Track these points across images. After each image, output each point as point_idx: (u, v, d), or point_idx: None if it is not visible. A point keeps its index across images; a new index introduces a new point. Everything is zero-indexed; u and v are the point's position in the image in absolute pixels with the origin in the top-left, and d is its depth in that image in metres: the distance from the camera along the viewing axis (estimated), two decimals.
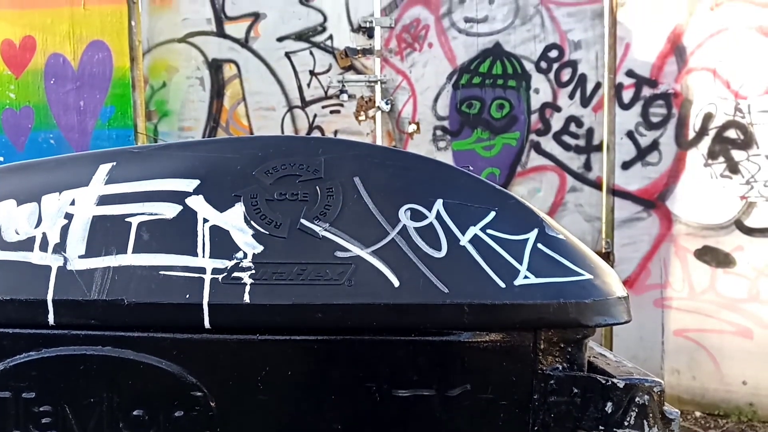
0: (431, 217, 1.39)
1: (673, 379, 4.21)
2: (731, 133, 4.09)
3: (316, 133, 4.27)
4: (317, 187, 1.41)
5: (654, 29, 4.11)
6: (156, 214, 1.33)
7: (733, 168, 4.07)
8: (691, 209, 4.15)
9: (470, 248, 1.36)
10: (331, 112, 4.26)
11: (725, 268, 4.12)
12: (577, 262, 1.38)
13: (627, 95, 4.17)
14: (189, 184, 1.37)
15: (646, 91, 4.15)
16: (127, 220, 1.33)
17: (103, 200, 1.36)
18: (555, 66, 4.22)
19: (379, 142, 4.29)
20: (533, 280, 1.33)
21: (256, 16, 4.18)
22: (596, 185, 4.27)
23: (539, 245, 1.39)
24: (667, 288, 4.21)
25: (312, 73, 4.23)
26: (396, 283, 1.30)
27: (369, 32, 4.22)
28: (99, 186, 1.37)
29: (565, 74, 4.22)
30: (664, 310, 4.21)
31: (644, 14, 4.12)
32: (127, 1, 4.00)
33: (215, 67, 4.20)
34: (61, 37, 3.99)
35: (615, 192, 4.21)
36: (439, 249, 1.36)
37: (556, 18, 4.19)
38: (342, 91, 4.21)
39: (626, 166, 4.20)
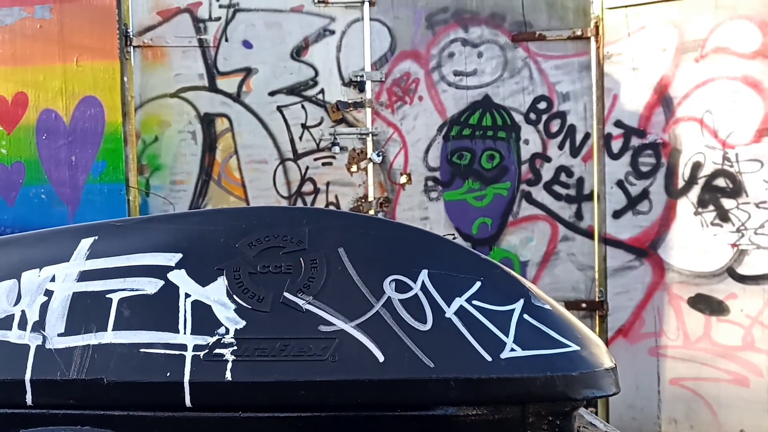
0: (416, 288, 1.39)
1: (671, 428, 4.15)
2: (720, 182, 4.12)
3: (308, 185, 4.28)
4: (301, 259, 1.40)
5: (641, 80, 4.17)
6: (137, 290, 1.32)
7: (724, 216, 4.09)
8: (683, 257, 4.15)
9: (456, 320, 1.36)
10: (323, 164, 4.29)
11: (719, 316, 4.10)
12: (564, 333, 1.37)
13: (616, 145, 4.21)
14: (171, 259, 1.37)
15: (635, 141, 4.19)
16: (107, 296, 1.32)
17: (84, 276, 1.35)
18: (544, 117, 4.27)
19: (371, 193, 4.31)
20: (520, 352, 1.33)
21: (248, 71, 4.23)
22: (588, 234, 4.28)
23: (525, 316, 1.38)
24: (661, 336, 4.18)
25: (304, 126, 4.26)
26: (381, 357, 1.29)
27: (360, 86, 4.27)
28: (80, 261, 1.36)
29: (555, 125, 4.27)
30: (660, 358, 4.18)
31: (631, 66, 4.18)
32: (119, 58, 4.05)
33: (207, 121, 4.23)
34: (54, 93, 4.03)
35: (607, 241, 4.22)
36: (424, 321, 1.35)
37: (544, 71, 4.26)
38: (334, 144, 4.24)
39: (617, 215, 4.21)
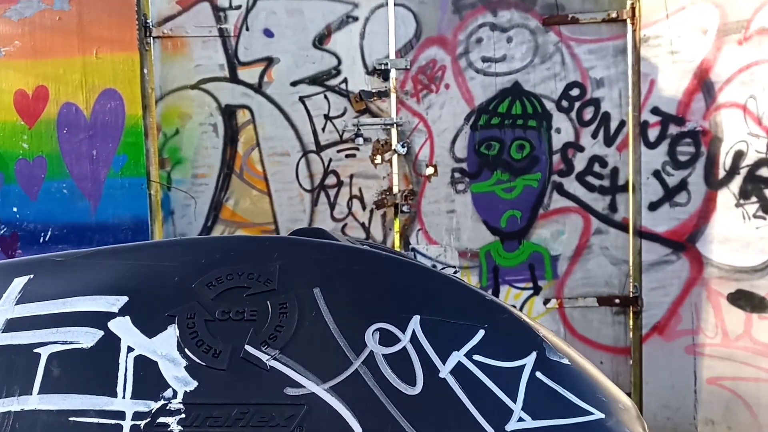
0: (405, 339, 1.17)
1: (708, 429, 4.00)
2: (764, 172, 3.91)
3: (331, 178, 4.17)
4: (268, 303, 1.20)
5: (680, 65, 3.96)
6: (71, 343, 1.13)
7: (767, 208, 3.88)
8: (722, 251, 3.96)
9: (452, 381, 1.14)
10: (347, 156, 4.17)
11: (761, 314, 3.92)
12: (586, 396, 1.16)
13: (653, 133, 4.01)
14: (114, 303, 1.17)
15: (673, 129, 3.99)
16: (36, 350, 1.13)
17: (11, 325, 1.16)
18: (577, 105, 4.09)
19: (395, 185, 4.19)
20: (529, 423, 1.11)
21: (269, 61, 4.12)
22: (622, 227, 4.11)
23: (538, 374, 1.16)
24: (699, 334, 4.01)
25: (327, 117, 4.14)
26: (357, 429, 1.11)
27: (384, 74, 4.13)
28: (8, 307, 1.18)
29: (588, 113, 4.09)
30: (697, 357, 4.02)
31: (669, 49, 3.97)
32: (139, 49, 3.96)
33: (228, 113, 4.14)
34: (74, 87, 3.96)
35: (642, 234, 4.05)
36: (413, 383, 1.14)
37: (577, 55, 4.07)
38: (357, 135, 4.12)
39: (653, 206, 4.03)
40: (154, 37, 4.05)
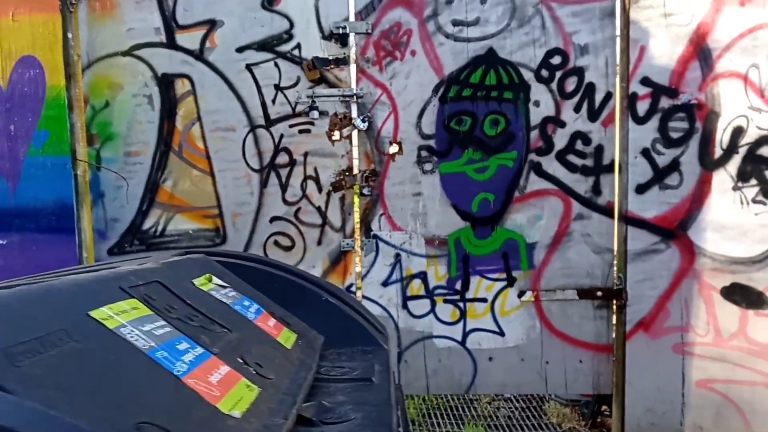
0: None
1: None
2: (766, 151, 3.50)
3: (282, 157, 3.73)
4: None
5: (673, 29, 3.51)
6: None
7: None
8: (717, 240, 3.56)
9: None
10: (300, 131, 3.72)
11: (758, 310, 3.54)
12: None
13: (642, 107, 3.57)
14: None
15: (665, 102, 3.55)
16: None
17: None
18: (558, 74, 3.64)
19: (355, 165, 3.75)
20: None
21: (212, 24, 3.64)
22: (607, 212, 3.69)
23: None
24: (689, 331, 3.63)
25: (277, 87, 3.69)
26: None
27: (342, 39, 3.66)
28: None
29: (570, 84, 3.64)
30: (686, 356, 3.64)
31: (662, 12, 3.51)
32: (61, 11, 3.49)
33: (166, 83, 3.68)
34: None
35: (628, 219, 3.63)
36: None
37: (559, 19, 3.60)
38: (312, 108, 3.67)
39: (641, 189, 3.61)
40: None
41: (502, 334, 3.82)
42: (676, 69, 3.53)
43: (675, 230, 3.60)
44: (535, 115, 3.66)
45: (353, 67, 3.69)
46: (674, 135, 3.57)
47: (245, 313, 1.76)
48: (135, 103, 3.68)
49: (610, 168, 3.67)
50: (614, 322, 3.77)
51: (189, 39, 3.65)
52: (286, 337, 1.77)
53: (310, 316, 1.97)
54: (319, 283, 2.13)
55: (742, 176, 3.53)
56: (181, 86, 3.68)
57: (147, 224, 3.77)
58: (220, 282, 1.86)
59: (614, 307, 3.76)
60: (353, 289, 3.83)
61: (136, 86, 3.67)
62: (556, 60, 3.63)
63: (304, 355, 1.69)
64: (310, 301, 2.03)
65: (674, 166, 3.58)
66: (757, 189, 3.52)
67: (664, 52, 3.53)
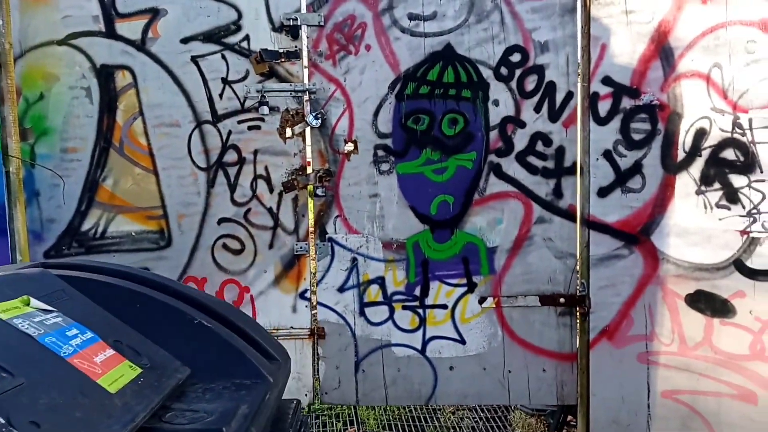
0: None
1: None
2: (729, 154, 3.40)
3: (231, 155, 3.53)
4: None
5: (635, 26, 3.41)
6: None
7: (732, 196, 3.38)
8: (681, 246, 3.44)
9: None
10: (250, 128, 3.53)
11: (723, 318, 3.42)
12: None
13: (603, 107, 3.46)
14: None
15: (627, 103, 3.45)
16: None
17: None
18: (518, 72, 3.51)
19: (310, 165, 3.56)
20: None
21: (154, 13, 3.44)
22: (568, 215, 3.56)
23: None
24: (653, 340, 3.50)
25: (225, 81, 3.49)
26: None
27: (293, 32, 3.49)
28: None
29: (530, 82, 3.51)
30: (650, 366, 3.50)
31: (623, 8, 3.41)
32: None
33: (105, 74, 3.46)
34: None
35: (591, 224, 3.50)
36: None
37: (519, 14, 3.48)
38: (262, 103, 3.48)
39: (603, 192, 3.49)
40: None
41: (463, 342, 3.65)
42: (638, 68, 3.43)
43: (638, 235, 3.48)
44: (495, 115, 3.53)
45: (305, 61, 3.52)
46: (636, 137, 3.46)
47: (60, 347, 1.42)
48: (72, 95, 3.46)
49: (571, 170, 3.55)
50: (578, 330, 3.63)
51: (130, 28, 3.44)
52: (117, 377, 1.45)
53: (178, 343, 1.64)
54: (195, 299, 1.80)
55: (706, 180, 3.43)
56: (122, 78, 3.47)
57: (86, 225, 3.53)
58: (42, 305, 1.53)
59: (578, 314, 3.62)
60: (308, 295, 3.63)
61: (73, 78, 3.44)
62: (516, 57, 3.51)
63: (134, 401, 1.38)
64: (179, 323, 1.69)
65: (636, 168, 3.47)
66: (720, 193, 3.42)
67: (625, 50, 3.43)
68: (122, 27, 3.44)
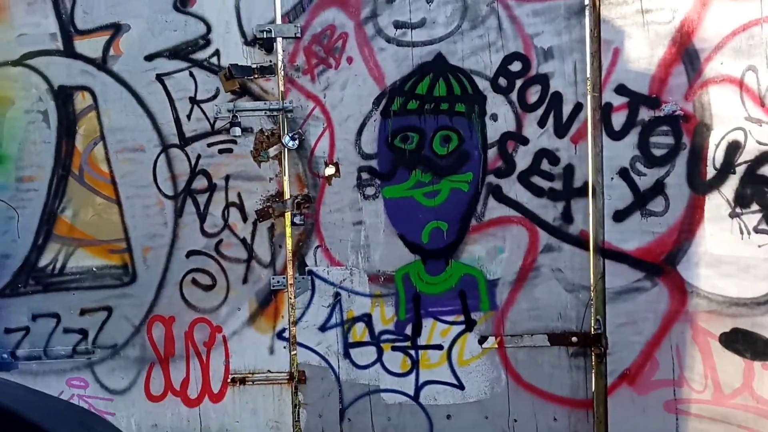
0: None
1: None
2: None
3: (200, 181, 3.22)
4: None
5: (653, 28, 2.98)
6: None
7: None
8: (713, 277, 2.97)
9: None
10: (221, 151, 3.21)
11: (765, 362, 2.92)
12: None
13: (618, 120, 3.02)
14: None
15: (645, 114, 3.00)
16: None
17: None
18: (518, 83, 3.10)
19: (286, 190, 3.22)
20: None
21: (116, 28, 3.16)
22: (580, 243, 3.12)
23: None
24: (682, 386, 3.02)
25: (193, 100, 3.19)
26: None
27: (267, 45, 3.16)
28: None
29: (533, 93, 3.10)
30: (680, 416, 3.02)
31: (638, 7, 2.98)
32: None
33: (63, 96, 3.19)
34: None
35: (606, 252, 3.05)
36: None
37: (518, 18, 3.08)
38: (233, 124, 3.15)
39: (620, 216, 3.04)
40: None
41: (461, 387, 3.23)
42: (657, 74, 2.99)
43: (662, 264, 3.02)
44: (493, 131, 3.12)
45: (281, 77, 3.19)
46: (657, 152, 3.01)
47: None
48: (28, 120, 3.20)
49: (582, 191, 3.11)
50: (594, 373, 3.17)
51: (90, 46, 3.17)
52: None
53: None
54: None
55: (741, 200, 2.95)
56: (81, 100, 3.19)
57: (43, 261, 3.25)
58: None
59: (593, 355, 3.16)
60: (286, 334, 3.27)
61: (28, 101, 3.19)
62: (516, 66, 3.10)
63: None
64: None
65: (658, 188, 3.02)
66: (759, 216, 2.94)
67: (642, 54, 2.99)
68: (82, 45, 3.18)
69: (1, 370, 3.31)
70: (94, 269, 3.25)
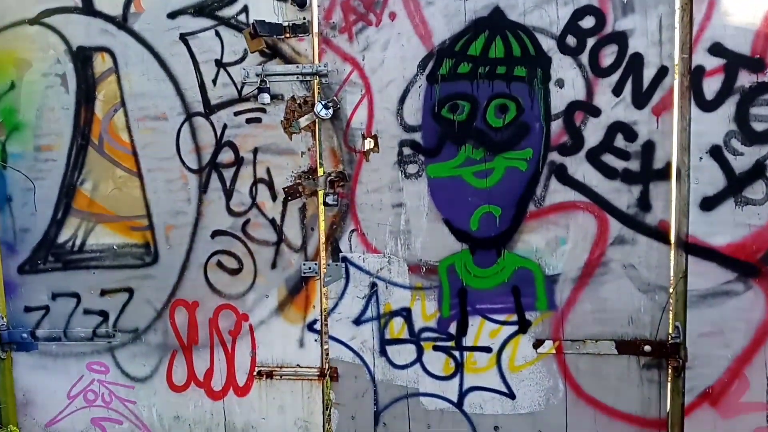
0: None
1: None
2: None
3: (226, 153, 2.92)
4: None
5: None
6: None
7: None
8: None
9: None
10: (248, 120, 2.89)
11: None
12: None
13: (711, 86, 2.50)
14: None
15: (745, 79, 2.48)
16: None
17: None
18: (590, 42, 2.62)
19: (319, 166, 2.87)
20: None
21: None
22: (659, 235, 2.64)
23: None
24: None
25: (219, 63, 2.88)
26: None
27: (300, 0, 2.79)
28: None
29: (608, 55, 2.61)
30: None
31: None
32: None
33: (82, 58, 2.95)
34: None
35: (690, 247, 2.56)
36: None
37: None
38: (261, 90, 2.82)
39: (709, 204, 2.54)
40: None
41: (511, 396, 2.83)
42: (763, 30, 2.44)
43: (758, 264, 2.51)
44: (558, 100, 2.66)
45: (315, 36, 2.82)
46: (759, 127, 2.48)
47: None
48: (46, 84, 2.98)
49: (664, 174, 2.61)
50: (669, 388, 2.70)
51: (110, 2, 2.92)
52: None
53: None
54: None
55: None
56: (101, 63, 2.95)
57: (63, 237, 3.06)
58: None
59: (668, 368, 2.69)
60: (317, 326, 2.95)
61: (46, 63, 2.97)
62: (588, 22, 2.61)
63: None
64: None
65: (759, 171, 2.49)
66: None
67: (744, 4, 2.45)
68: (101, 2, 2.91)
69: (22, 350, 3.15)
70: (114, 247, 3.03)
